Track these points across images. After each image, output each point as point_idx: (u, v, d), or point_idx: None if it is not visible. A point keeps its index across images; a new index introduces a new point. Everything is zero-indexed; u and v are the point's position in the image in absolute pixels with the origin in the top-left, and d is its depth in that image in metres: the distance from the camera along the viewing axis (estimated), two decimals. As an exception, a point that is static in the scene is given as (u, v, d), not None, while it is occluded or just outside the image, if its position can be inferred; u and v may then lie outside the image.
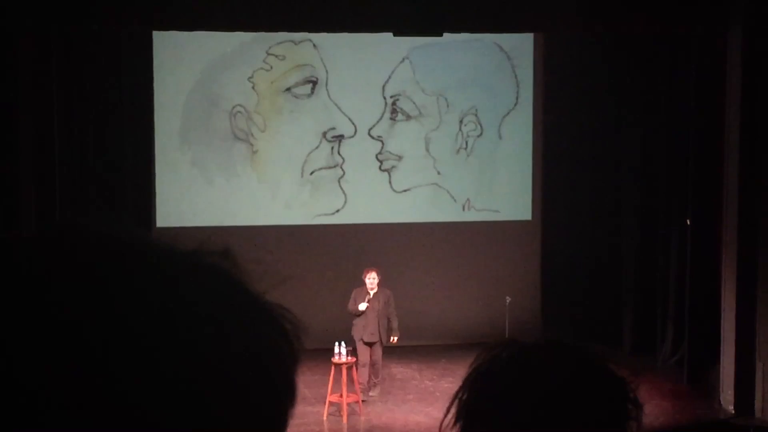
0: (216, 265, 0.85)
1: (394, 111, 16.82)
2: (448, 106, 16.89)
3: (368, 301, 13.37)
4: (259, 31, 14.36)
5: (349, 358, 13.19)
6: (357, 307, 13.42)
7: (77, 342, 0.75)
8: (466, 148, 17.00)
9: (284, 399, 0.86)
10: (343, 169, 16.74)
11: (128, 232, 0.84)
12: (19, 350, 0.75)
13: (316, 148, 16.65)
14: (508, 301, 15.27)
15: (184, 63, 16.12)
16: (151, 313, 0.78)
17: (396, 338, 13.69)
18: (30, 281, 0.78)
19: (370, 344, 13.49)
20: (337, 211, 16.79)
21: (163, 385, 0.76)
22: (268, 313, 0.86)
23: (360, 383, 13.54)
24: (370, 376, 13.70)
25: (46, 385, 0.74)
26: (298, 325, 0.87)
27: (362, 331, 13.47)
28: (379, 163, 16.84)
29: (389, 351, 13.85)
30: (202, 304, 0.81)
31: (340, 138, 16.71)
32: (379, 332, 13.46)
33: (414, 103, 16.84)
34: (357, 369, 13.52)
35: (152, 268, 0.81)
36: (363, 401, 13.47)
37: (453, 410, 1.61)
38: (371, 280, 13.47)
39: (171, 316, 0.79)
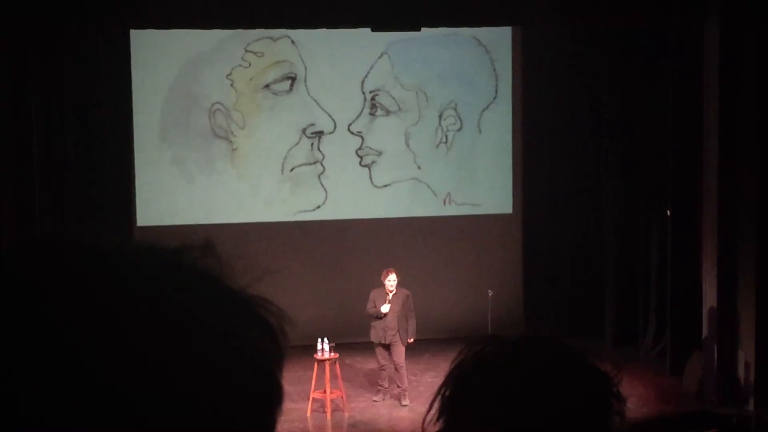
0: (198, 263, 0.85)
1: (373, 106, 16.81)
2: (427, 100, 16.90)
3: (389, 302, 13.03)
4: (237, 28, 14.32)
5: (332, 354, 13.18)
6: (379, 310, 13.04)
7: (65, 348, 0.76)
8: (445, 143, 17.02)
9: (271, 397, 0.86)
10: (323, 165, 16.73)
11: (108, 238, 0.84)
12: (8, 360, 0.75)
13: (296, 144, 16.64)
14: (490, 294, 15.27)
15: (162, 61, 16.07)
16: (136, 315, 0.78)
17: (411, 340, 13.29)
18: (15, 293, 0.78)
19: (389, 346, 13.16)
20: (318, 207, 16.78)
21: (150, 385, 0.77)
22: (251, 309, 0.87)
23: (380, 386, 13.54)
24: (395, 383, 13.43)
25: (37, 390, 0.75)
26: (283, 318, 0.88)
27: (382, 333, 13.11)
28: (359, 159, 16.84)
29: (371, 346, 13.82)
30: (186, 304, 0.81)
31: (319, 134, 16.69)
32: (399, 333, 13.08)
33: (393, 98, 16.84)
34: (378, 372, 13.51)
35: (134, 270, 0.82)
36: (374, 401, 13.51)
37: (436, 406, 1.62)
38: (391, 281, 13.09)
39: (155, 318, 0.79)
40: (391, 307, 13.05)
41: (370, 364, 14.54)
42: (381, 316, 13.06)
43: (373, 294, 13.24)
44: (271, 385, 0.86)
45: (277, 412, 0.87)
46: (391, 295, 13.09)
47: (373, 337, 13.25)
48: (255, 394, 0.84)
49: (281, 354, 0.87)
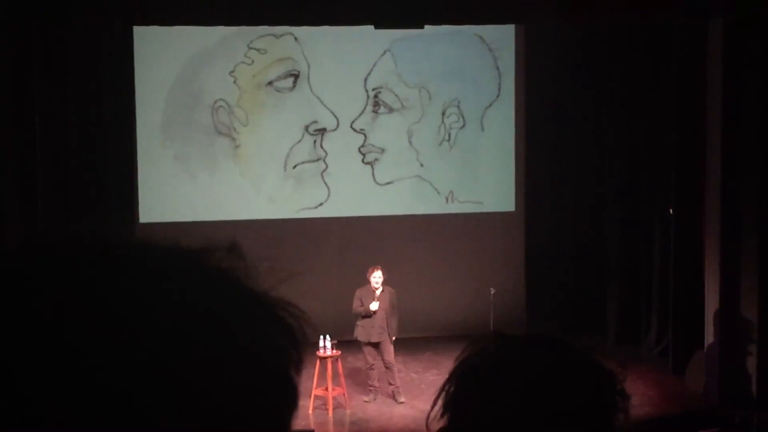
0: (222, 263, 0.85)
1: (376, 104, 16.81)
2: (430, 98, 16.90)
3: (377, 300, 12.93)
4: (240, 25, 14.33)
5: (334, 351, 13.17)
6: (368, 308, 12.92)
7: (74, 348, 0.75)
8: (448, 140, 17.01)
9: (286, 399, 0.86)
10: (325, 163, 16.73)
11: (121, 236, 0.84)
12: (12, 359, 0.75)
13: (299, 141, 16.64)
14: (492, 292, 15.27)
15: (165, 58, 16.08)
16: (150, 313, 0.78)
17: (393, 338, 13.17)
18: (19, 291, 0.78)
19: (377, 345, 13.08)
20: (321, 204, 16.78)
21: (164, 384, 0.77)
22: (272, 310, 0.86)
23: (371, 386, 13.46)
24: (388, 381, 13.37)
25: (46, 389, 0.74)
26: (304, 321, 0.88)
27: (369, 332, 12.99)
28: (361, 156, 16.84)
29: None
30: (201, 303, 0.81)
31: (322, 131, 16.69)
32: (388, 332, 13.01)
33: (396, 95, 16.84)
34: (368, 372, 13.42)
35: (148, 270, 0.81)
36: (365, 401, 13.40)
37: (440, 402, 1.62)
38: (377, 279, 13.01)
39: (169, 317, 0.79)
40: (380, 305, 12.99)
41: (372, 362, 14.55)
42: (370, 315, 12.97)
43: (359, 292, 13.12)
44: (288, 388, 0.86)
45: (292, 414, 0.87)
46: (378, 292, 13.03)
47: (361, 336, 13.13)
48: (271, 396, 0.84)
49: (300, 357, 0.88)
